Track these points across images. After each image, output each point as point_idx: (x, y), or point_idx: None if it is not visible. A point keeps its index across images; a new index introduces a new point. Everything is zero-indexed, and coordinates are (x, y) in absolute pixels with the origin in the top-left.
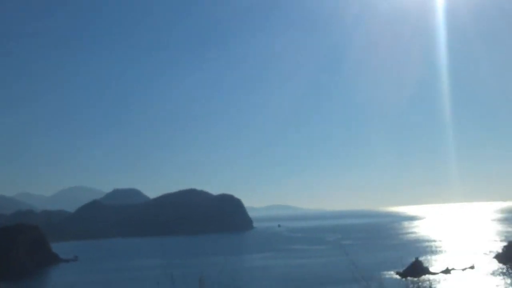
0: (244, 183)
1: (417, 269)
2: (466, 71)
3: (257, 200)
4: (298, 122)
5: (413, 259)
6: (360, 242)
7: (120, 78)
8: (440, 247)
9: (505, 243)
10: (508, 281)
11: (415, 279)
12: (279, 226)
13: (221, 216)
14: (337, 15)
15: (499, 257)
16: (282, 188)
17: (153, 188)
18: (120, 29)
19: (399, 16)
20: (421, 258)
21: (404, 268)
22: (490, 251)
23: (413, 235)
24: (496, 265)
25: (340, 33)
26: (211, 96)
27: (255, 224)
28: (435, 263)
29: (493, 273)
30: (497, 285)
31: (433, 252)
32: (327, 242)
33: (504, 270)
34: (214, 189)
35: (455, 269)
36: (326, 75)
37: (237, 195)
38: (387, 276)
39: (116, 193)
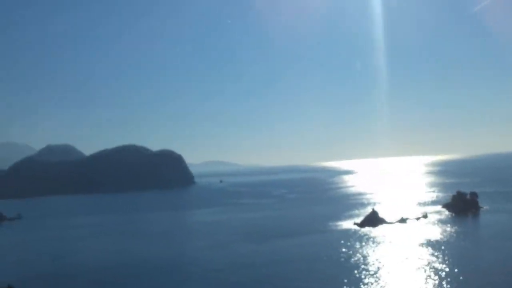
0: (181, 139)
1: (374, 220)
2: (401, 26)
3: (194, 156)
4: (232, 78)
5: (370, 210)
6: (307, 196)
7: (57, 30)
8: (385, 198)
9: (453, 193)
10: (457, 227)
11: (373, 228)
12: (221, 181)
13: (161, 172)
14: None
15: (448, 206)
16: (218, 144)
17: (89, 144)
18: None
19: None
20: (376, 209)
21: (361, 219)
22: (437, 201)
23: (353, 189)
24: (445, 213)
25: None
26: (151, 51)
27: (196, 180)
28: (390, 214)
29: (444, 221)
30: (448, 231)
31: (383, 203)
32: (274, 196)
33: (453, 218)
34: (153, 145)
35: (409, 219)
36: (260, 24)
37: (175, 151)
38: (345, 227)
39: (50, 149)
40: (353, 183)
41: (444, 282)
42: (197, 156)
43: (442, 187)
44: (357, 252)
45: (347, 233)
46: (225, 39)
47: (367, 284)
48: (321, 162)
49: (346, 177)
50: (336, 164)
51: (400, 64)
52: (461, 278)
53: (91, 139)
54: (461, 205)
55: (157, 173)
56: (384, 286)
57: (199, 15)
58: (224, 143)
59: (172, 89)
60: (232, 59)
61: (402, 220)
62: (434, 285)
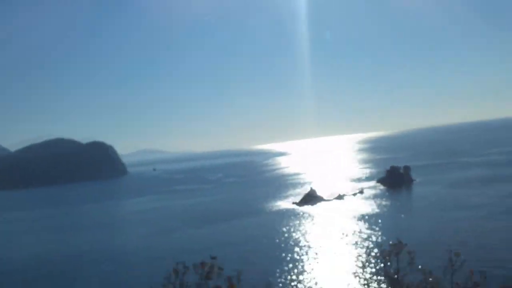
0: (110, 131)
1: (312, 198)
2: (324, 9)
3: (124, 146)
4: (157, 67)
5: (308, 189)
6: (244, 179)
7: None
8: (321, 177)
9: (387, 168)
10: (392, 200)
11: (312, 206)
12: (154, 169)
13: (93, 163)
14: None
15: (382, 181)
16: (147, 133)
17: (11, 137)
18: None
19: None
20: (314, 188)
21: (300, 198)
22: (372, 177)
23: (288, 169)
24: (380, 188)
25: None
26: (74, 39)
27: (129, 170)
28: (328, 191)
29: (379, 196)
30: (384, 205)
31: (319, 182)
32: (211, 181)
33: (388, 192)
34: (82, 138)
35: (346, 195)
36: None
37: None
38: (285, 207)
39: None
40: (288, 164)
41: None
42: (128, 146)
43: (375, 163)
44: (298, 230)
45: (287, 212)
46: (152, 28)
47: (310, 261)
48: (253, 145)
49: (280, 159)
50: (269, 147)
51: (323, 44)
52: None
53: (13, 134)
54: (395, 179)
55: (88, 165)
56: (326, 261)
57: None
58: (154, 131)
59: (99, 81)
60: (162, 48)
61: (340, 197)
62: (374, 257)
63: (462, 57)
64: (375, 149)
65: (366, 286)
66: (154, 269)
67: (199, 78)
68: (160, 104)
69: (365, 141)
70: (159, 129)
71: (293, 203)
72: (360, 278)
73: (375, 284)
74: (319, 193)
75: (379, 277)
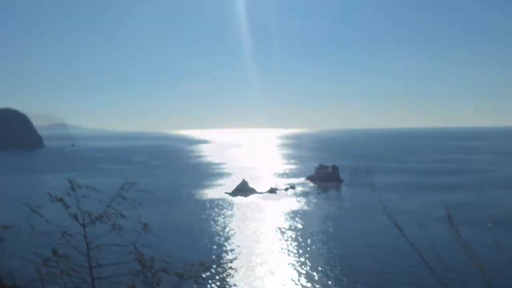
0: (22, 99)
1: (245, 189)
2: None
3: (37, 118)
4: (83, 31)
5: (240, 180)
6: (170, 164)
7: None
8: (251, 169)
9: (316, 166)
10: (322, 198)
11: (245, 198)
12: (73, 145)
13: (5, 132)
14: None
15: (312, 178)
16: (63, 106)
17: None
18: None
19: None
20: (246, 179)
21: (232, 189)
22: (301, 173)
23: (215, 158)
24: (310, 185)
25: None
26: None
27: (45, 143)
28: (260, 184)
29: (309, 193)
30: (314, 202)
31: (249, 173)
32: (135, 163)
33: (317, 189)
34: None
35: (278, 189)
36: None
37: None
38: (217, 196)
39: None
40: (212, 153)
41: (312, 250)
42: (42, 118)
43: (301, 159)
44: (232, 221)
45: (220, 202)
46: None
47: (243, 253)
48: (172, 130)
49: (202, 147)
50: (188, 133)
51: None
52: (328, 245)
53: None
54: (323, 177)
55: (0, 133)
56: (259, 254)
57: None
58: (70, 105)
59: (16, 40)
60: (94, 13)
61: (272, 190)
62: (305, 253)
63: (394, 61)
64: (297, 146)
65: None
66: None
67: (115, 53)
68: (77, 75)
69: (286, 137)
70: (76, 102)
71: (225, 193)
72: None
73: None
74: (251, 185)
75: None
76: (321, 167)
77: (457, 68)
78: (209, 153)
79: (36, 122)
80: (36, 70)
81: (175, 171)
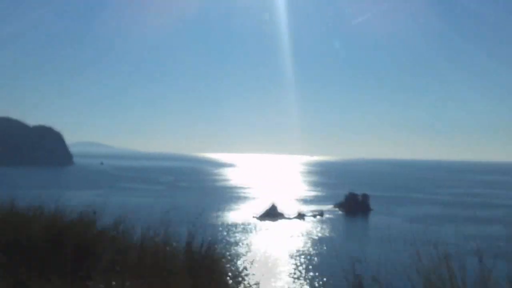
0: (57, 116)
1: (274, 214)
2: (306, 26)
3: (68, 135)
4: (115, 61)
5: (269, 204)
6: (198, 185)
7: None
8: (280, 193)
9: (345, 193)
10: (350, 227)
11: (273, 222)
12: (102, 163)
13: (39, 148)
14: None
15: (340, 206)
16: (93, 124)
17: None
18: None
19: None
20: (276, 203)
21: (261, 213)
22: (329, 200)
23: (241, 181)
24: (339, 213)
25: None
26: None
27: (75, 160)
28: (288, 209)
29: (338, 220)
30: (341, 230)
31: (278, 198)
32: (163, 183)
33: (346, 217)
34: (31, 120)
35: (306, 215)
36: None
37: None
38: (245, 219)
39: None
40: (240, 176)
41: (337, 276)
42: (73, 135)
43: (329, 186)
44: (261, 244)
45: (248, 225)
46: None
47: (276, 276)
48: (199, 153)
49: (230, 170)
50: (216, 156)
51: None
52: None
53: None
54: (353, 205)
55: (34, 149)
56: (294, 278)
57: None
58: (100, 123)
59: (52, 63)
60: (125, 43)
61: (300, 216)
62: (329, 279)
63: (421, 93)
64: (325, 172)
65: None
66: None
67: (147, 75)
68: (107, 94)
69: (313, 164)
70: (105, 121)
71: (254, 217)
72: None
73: None
74: (279, 209)
75: None
76: (351, 195)
77: (485, 101)
78: (234, 176)
79: (68, 139)
80: (70, 88)
81: (203, 192)
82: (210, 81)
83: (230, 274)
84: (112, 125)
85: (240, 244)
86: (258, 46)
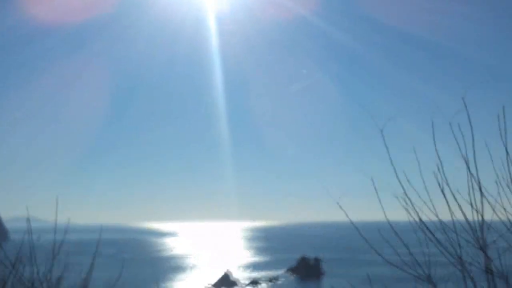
0: None
1: (227, 282)
2: (240, 86)
3: (1, 211)
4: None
5: (221, 272)
6: (142, 257)
7: None
8: (230, 260)
9: (296, 257)
10: None
11: None
12: (38, 239)
13: None
14: None
15: (293, 270)
16: (29, 199)
17: None
18: None
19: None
20: (228, 271)
21: (215, 282)
22: (281, 265)
23: (186, 250)
24: (292, 277)
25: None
26: None
27: (10, 236)
28: (241, 276)
29: (292, 285)
30: None
31: (229, 265)
32: (106, 256)
33: (299, 282)
34: None
35: (260, 282)
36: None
37: None
38: None
39: None
40: (184, 245)
41: None
42: (8, 211)
43: (278, 251)
44: None
45: None
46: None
47: None
48: (139, 222)
49: (173, 239)
50: (157, 225)
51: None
52: None
53: None
54: (305, 270)
55: None
56: None
57: None
58: (29, 197)
59: None
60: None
61: (254, 283)
62: None
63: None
64: (271, 237)
65: None
66: None
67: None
68: (44, 169)
69: (256, 229)
70: (41, 195)
71: (208, 284)
72: None
73: None
74: (233, 277)
75: None
76: (303, 259)
77: None
78: (181, 245)
79: (3, 215)
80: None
81: (149, 263)
82: (142, 149)
83: None
84: (48, 199)
85: None
86: (194, 114)
